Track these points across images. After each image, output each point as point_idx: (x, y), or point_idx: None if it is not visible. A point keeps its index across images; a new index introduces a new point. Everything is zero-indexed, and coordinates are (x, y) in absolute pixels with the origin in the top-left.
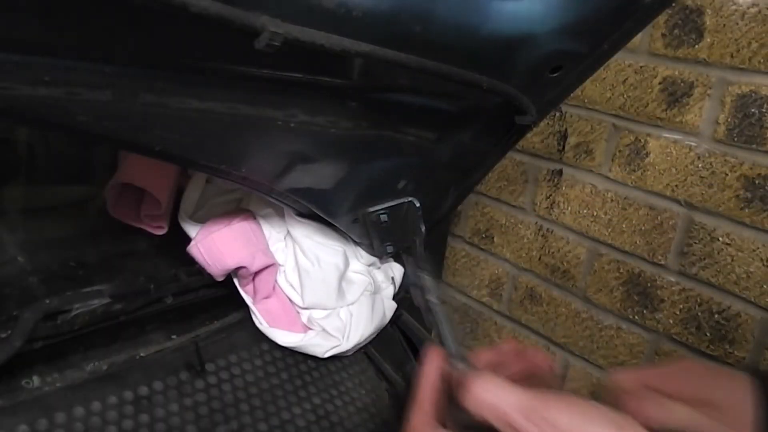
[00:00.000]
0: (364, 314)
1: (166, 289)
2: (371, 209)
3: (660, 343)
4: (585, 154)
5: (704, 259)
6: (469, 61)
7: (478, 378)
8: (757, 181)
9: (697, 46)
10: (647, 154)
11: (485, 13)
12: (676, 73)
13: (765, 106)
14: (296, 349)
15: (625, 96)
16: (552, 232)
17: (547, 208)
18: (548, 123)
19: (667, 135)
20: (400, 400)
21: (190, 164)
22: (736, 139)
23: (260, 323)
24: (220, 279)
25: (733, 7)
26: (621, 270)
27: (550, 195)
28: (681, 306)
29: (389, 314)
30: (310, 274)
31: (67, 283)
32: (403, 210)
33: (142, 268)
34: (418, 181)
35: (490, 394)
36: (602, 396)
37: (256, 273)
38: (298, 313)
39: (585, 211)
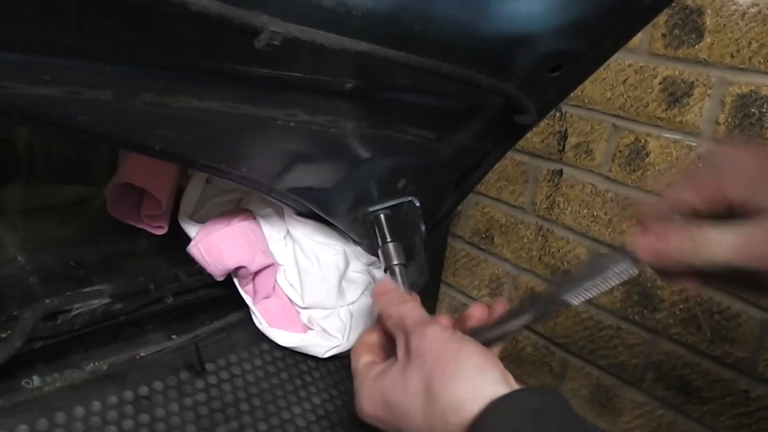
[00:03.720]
0: (364, 314)
1: (166, 289)
2: (371, 209)
3: (660, 343)
4: (585, 154)
5: None
6: (468, 61)
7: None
8: None
9: (697, 46)
10: (647, 154)
11: (485, 12)
12: (676, 73)
13: (765, 106)
14: (296, 349)
15: (625, 96)
16: (552, 232)
17: (547, 208)
18: (548, 123)
19: (667, 135)
20: None
21: (190, 164)
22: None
23: (260, 323)
24: (220, 279)
25: (733, 7)
26: None
27: (550, 195)
28: (681, 306)
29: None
30: (310, 273)
31: (67, 283)
32: (403, 210)
33: (142, 268)
34: (417, 181)
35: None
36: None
37: (256, 273)
38: (298, 313)
39: (585, 211)
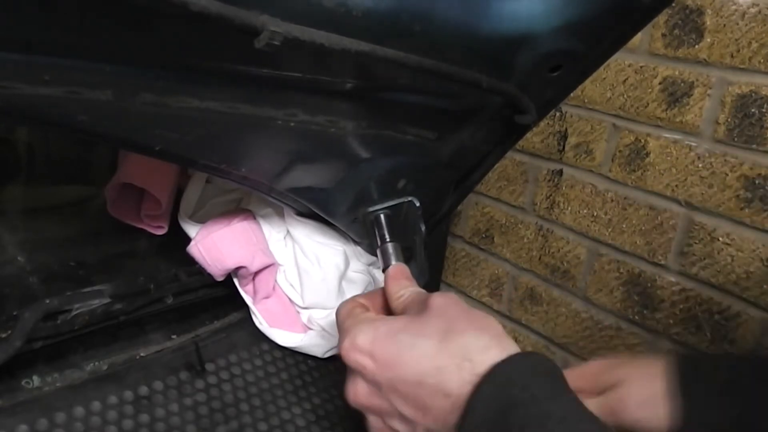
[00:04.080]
0: None
1: (166, 289)
2: (371, 209)
3: (660, 343)
4: (585, 154)
5: (704, 259)
6: (468, 61)
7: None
8: (757, 181)
9: (697, 46)
10: (647, 154)
11: (485, 12)
12: (676, 73)
13: (765, 106)
14: (296, 349)
15: (625, 96)
16: (552, 232)
17: (547, 208)
18: (548, 123)
19: (667, 135)
20: None
21: (190, 164)
22: (736, 139)
23: (260, 323)
24: (220, 279)
25: (733, 7)
26: (621, 270)
27: (550, 195)
28: (681, 306)
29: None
30: (310, 274)
31: (67, 283)
32: (403, 210)
33: (142, 268)
34: (418, 181)
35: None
36: None
37: (256, 273)
38: (298, 313)
39: (585, 211)
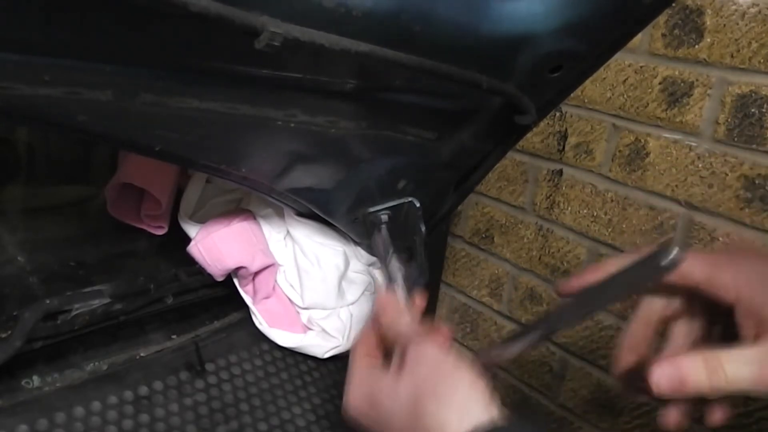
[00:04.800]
0: (364, 314)
1: (166, 289)
2: (371, 209)
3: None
4: (585, 154)
5: None
6: (469, 61)
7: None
8: (757, 181)
9: (697, 46)
10: (647, 154)
11: (485, 13)
12: (676, 73)
13: (765, 106)
14: (296, 350)
15: (625, 96)
16: (552, 232)
17: (547, 208)
18: (548, 123)
19: (667, 135)
20: None
21: (190, 164)
22: (736, 139)
23: (260, 323)
24: (220, 279)
25: (733, 7)
26: None
27: (550, 195)
28: None
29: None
30: (310, 274)
31: (67, 283)
32: (403, 210)
33: (142, 268)
34: (418, 181)
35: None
36: None
37: (256, 273)
38: (298, 313)
39: (585, 211)
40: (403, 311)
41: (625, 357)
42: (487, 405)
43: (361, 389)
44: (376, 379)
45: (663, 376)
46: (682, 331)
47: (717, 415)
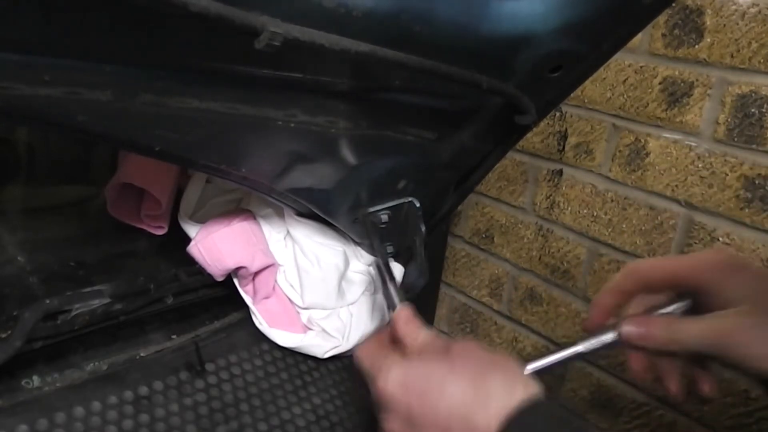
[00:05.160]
0: (364, 314)
1: (166, 289)
2: (371, 209)
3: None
4: (585, 154)
5: None
6: (469, 61)
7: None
8: (757, 181)
9: (697, 46)
10: (647, 154)
11: (485, 13)
12: (676, 73)
13: (765, 106)
14: (296, 350)
15: (625, 96)
16: (552, 232)
17: (547, 208)
18: (548, 123)
19: (667, 135)
20: None
21: (190, 164)
22: (736, 139)
23: (260, 323)
24: (220, 279)
25: (733, 7)
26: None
27: (550, 195)
28: None
29: (389, 314)
30: (310, 274)
31: (67, 283)
32: (403, 210)
33: (142, 268)
34: (418, 181)
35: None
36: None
37: (256, 273)
38: (298, 313)
39: (585, 211)
40: (422, 321)
41: (597, 314)
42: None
43: (409, 369)
44: (424, 360)
45: (632, 330)
46: (647, 301)
47: (706, 387)
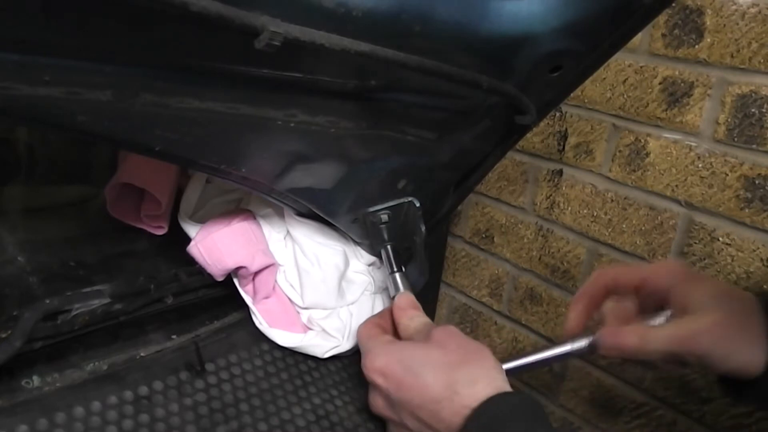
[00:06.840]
0: (365, 314)
1: (166, 289)
2: (371, 209)
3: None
4: (585, 154)
5: (704, 259)
6: (469, 61)
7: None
8: (757, 181)
9: (697, 46)
10: (647, 154)
11: (485, 13)
12: (676, 73)
13: (765, 106)
14: (296, 350)
15: (625, 96)
16: (552, 232)
17: (547, 208)
18: (548, 123)
19: (667, 135)
20: None
21: (190, 164)
22: (736, 139)
23: (260, 323)
24: (220, 279)
25: (733, 7)
26: None
27: (550, 195)
28: None
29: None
30: (310, 274)
31: (67, 283)
32: (403, 210)
33: (142, 268)
34: (418, 181)
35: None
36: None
37: (256, 273)
38: (298, 313)
39: (585, 211)
40: (419, 308)
41: (573, 319)
42: (504, 377)
43: (390, 356)
44: (404, 347)
45: (606, 340)
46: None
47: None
